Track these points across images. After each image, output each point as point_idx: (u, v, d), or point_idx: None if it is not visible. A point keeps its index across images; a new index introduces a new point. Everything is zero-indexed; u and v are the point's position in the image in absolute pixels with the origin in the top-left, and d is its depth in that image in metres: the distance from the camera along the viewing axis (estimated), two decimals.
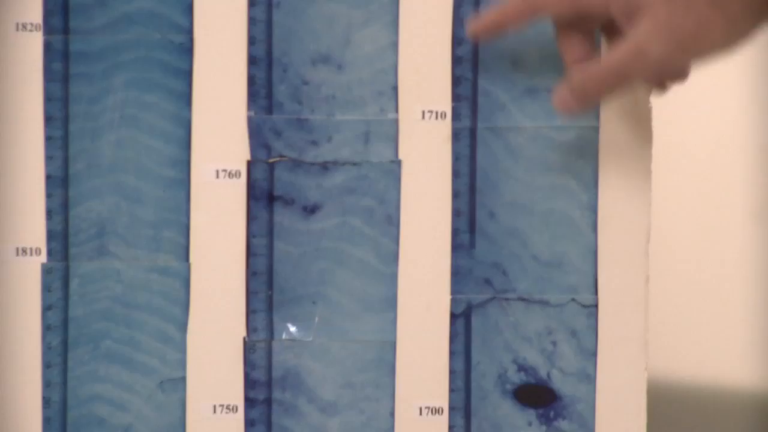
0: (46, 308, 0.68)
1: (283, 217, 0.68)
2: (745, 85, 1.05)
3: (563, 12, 0.63)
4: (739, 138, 1.06)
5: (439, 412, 0.69)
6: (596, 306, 0.69)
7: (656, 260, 0.73)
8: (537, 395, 0.69)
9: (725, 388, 1.06)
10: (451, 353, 0.69)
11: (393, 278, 0.69)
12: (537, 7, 0.63)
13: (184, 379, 0.69)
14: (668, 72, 0.64)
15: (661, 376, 1.04)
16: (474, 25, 0.65)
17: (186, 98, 0.68)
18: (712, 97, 1.07)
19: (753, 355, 1.06)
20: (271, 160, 0.68)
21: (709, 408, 1.06)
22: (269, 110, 0.68)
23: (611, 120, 0.68)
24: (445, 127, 0.68)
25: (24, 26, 0.68)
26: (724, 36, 0.59)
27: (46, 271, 0.68)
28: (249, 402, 0.69)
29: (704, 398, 1.06)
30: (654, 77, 0.64)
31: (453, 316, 0.69)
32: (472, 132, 0.68)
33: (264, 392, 0.69)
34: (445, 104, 0.68)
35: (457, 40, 0.68)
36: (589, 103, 0.63)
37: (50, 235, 0.68)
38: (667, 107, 0.95)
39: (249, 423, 0.69)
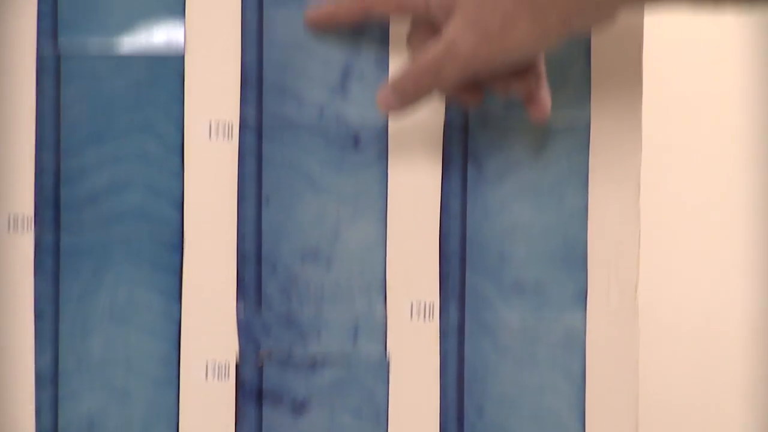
0: None
1: (271, 415, 0.68)
2: (743, 109, 1.06)
3: (390, 13, 0.66)
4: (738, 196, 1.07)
5: None
6: None
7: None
8: None
9: None
10: None
11: None
12: (367, 6, 0.67)
13: None
14: (479, 68, 0.63)
15: None
16: (310, 14, 0.68)
17: (176, 295, 0.68)
18: (712, 151, 1.07)
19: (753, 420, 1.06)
20: (260, 357, 0.68)
21: None
22: (258, 307, 0.69)
23: (598, 316, 0.69)
24: (433, 323, 0.69)
25: (15, 222, 0.68)
26: (532, 33, 0.61)
27: None
28: None
29: None
30: (467, 75, 0.63)
31: None
32: (460, 328, 0.69)
33: None
34: (434, 300, 0.69)
35: (444, 236, 0.69)
36: (409, 102, 0.65)
37: None
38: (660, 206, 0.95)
39: None
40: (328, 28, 0.68)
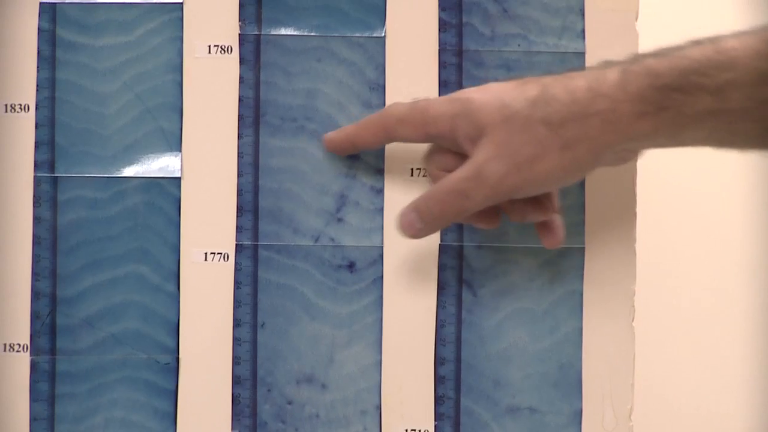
0: None
1: None
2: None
3: (416, 140, 0.65)
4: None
5: None
6: None
7: None
8: None
9: None
10: None
11: None
12: (390, 133, 0.66)
13: None
14: (505, 195, 0.63)
15: None
16: (330, 137, 0.68)
17: (171, 418, 0.69)
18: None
19: None
20: None
21: None
22: (253, 430, 0.69)
23: None
24: None
25: (12, 347, 0.69)
26: (561, 164, 0.61)
27: None
28: None
29: None
30: (493, 201, 0.63)
31: None
32: None
33: None
34: (428, 423, 0.69)
35: (439, 361, 0.69)
36: (434, 225, 0.64)
37: None
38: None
39: None
40: (348, 151, 0.68)
